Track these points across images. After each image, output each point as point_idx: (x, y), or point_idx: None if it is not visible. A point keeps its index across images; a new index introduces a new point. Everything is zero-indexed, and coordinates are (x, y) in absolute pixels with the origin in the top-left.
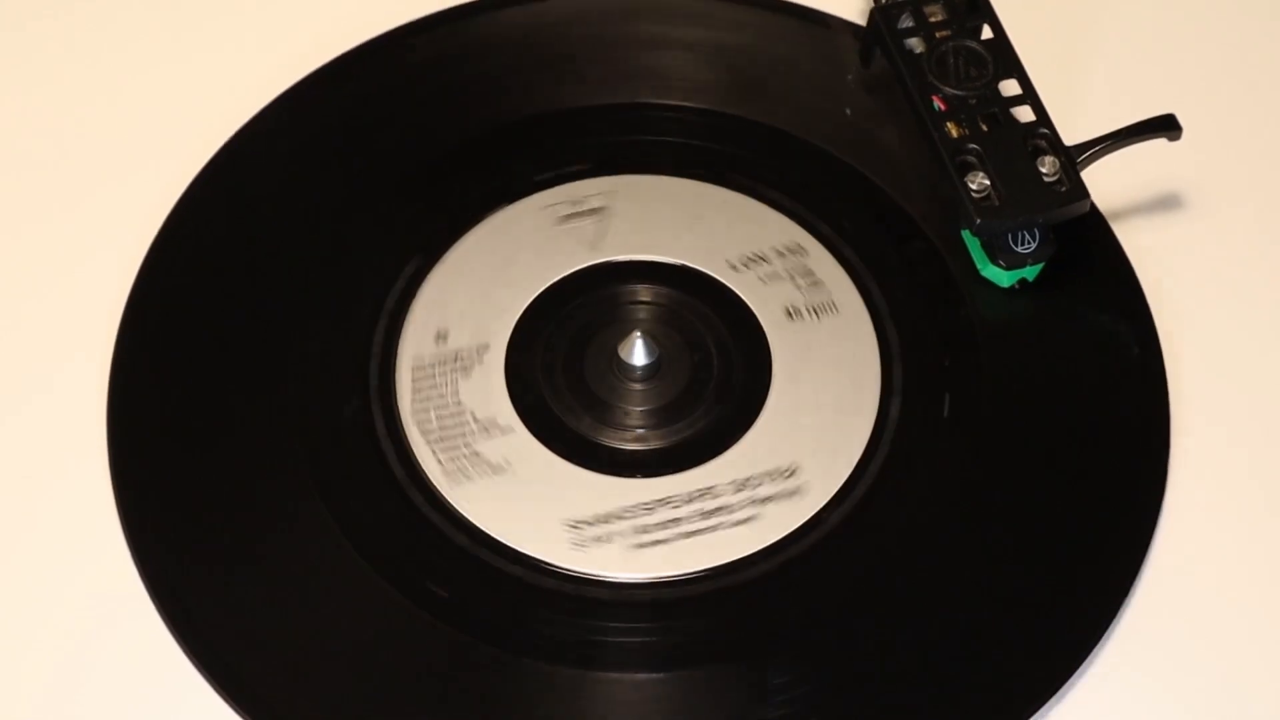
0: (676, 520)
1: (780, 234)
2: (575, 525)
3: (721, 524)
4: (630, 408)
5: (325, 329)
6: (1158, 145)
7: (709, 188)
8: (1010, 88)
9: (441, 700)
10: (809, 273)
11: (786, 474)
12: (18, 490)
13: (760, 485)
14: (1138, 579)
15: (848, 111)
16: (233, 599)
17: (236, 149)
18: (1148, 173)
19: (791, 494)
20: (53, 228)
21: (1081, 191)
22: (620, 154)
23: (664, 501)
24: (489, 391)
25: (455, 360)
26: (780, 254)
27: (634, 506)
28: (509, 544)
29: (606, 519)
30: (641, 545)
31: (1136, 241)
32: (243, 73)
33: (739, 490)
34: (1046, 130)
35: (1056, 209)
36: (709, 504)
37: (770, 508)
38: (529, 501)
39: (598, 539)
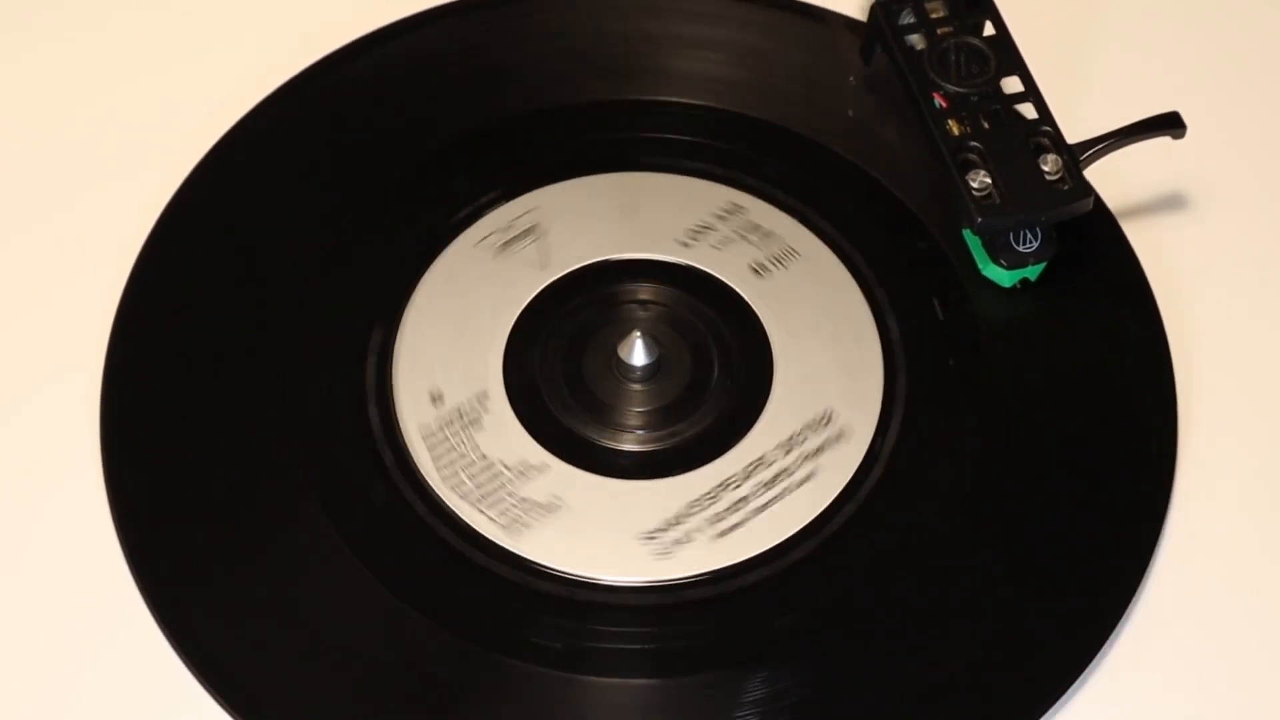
0: (744, 499)
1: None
2: (651, 536)
3: (787, 487)
4: (637, 408)
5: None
6: (1164, 141)
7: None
8: (1012, 85)
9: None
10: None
11: (824, 421)
12: (11, 496)
13: (805, 439)
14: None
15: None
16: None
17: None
18: (1154, 170)
19: (838, 439)
20: (41, 232)
21: (1084, 190)
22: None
23: (723, 485)
24: (508, 436)
25: (461, 417)
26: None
27: (698, 499)
28: (592, 577)
29: (678, 520)
30: (722, 534)
31: (1143, 238)
32: (232, 74)
33: (788, 451)
34: (1049, 128)
35: (1058, 208)
36: (766, 473)
37: (825, 458)
38: (596, 529)
39: (678, 541)
